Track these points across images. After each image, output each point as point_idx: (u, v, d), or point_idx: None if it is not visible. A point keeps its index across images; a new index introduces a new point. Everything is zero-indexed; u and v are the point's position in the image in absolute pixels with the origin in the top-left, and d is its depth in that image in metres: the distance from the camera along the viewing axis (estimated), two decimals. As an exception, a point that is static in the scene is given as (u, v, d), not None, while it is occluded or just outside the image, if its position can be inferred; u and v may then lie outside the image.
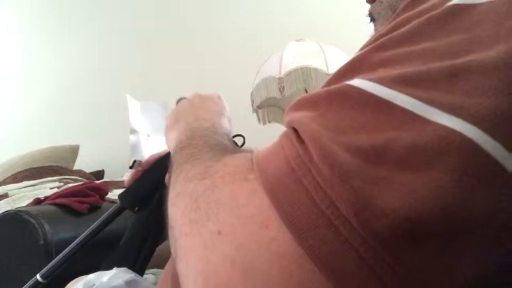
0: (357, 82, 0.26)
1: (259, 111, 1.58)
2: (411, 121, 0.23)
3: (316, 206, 0.23)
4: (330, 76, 0.30)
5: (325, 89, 0.28)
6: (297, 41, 1.54)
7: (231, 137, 0.49)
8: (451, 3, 0.27)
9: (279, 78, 1.39)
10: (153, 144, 0.63)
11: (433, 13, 0.27)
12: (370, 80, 0.25)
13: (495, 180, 0.21)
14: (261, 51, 1.62)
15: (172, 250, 0.31)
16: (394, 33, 0.28)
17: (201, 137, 0.44)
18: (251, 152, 0.31)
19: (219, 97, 0.58)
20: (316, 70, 1.36)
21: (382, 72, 0.26)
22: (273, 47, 1.55)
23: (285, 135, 0.28)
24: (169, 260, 0.56)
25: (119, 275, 0.50)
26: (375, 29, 0.51)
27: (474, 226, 0.21)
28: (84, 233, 0.58)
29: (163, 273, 0.56)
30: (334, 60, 1.40)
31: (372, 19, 0.51)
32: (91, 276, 0.50)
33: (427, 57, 0.25)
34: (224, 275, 0.24)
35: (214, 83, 2.15)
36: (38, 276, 0.57)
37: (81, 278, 0.52)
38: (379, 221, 0.21)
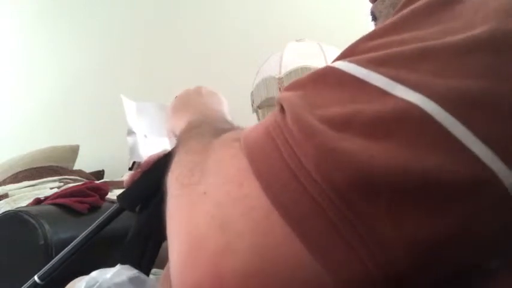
0: (337, 64, 0.28)
1: (259, 111, 1.58)
2: (379, 96, 0.25)
3: (283, 161, 0.25)
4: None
5: (313, 71, 0.30)
6: (297, 41, 1.54)
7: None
8: None
9: (279, 78, 1.39)
10: (151, 144, 0.63)
11: (414, 6, 0.29)
12: (350, 61, 0.28)
13: (446, 147, 0.23)
14: (261, 51, 1.62)
15: (166, 219, 0.33)
16: (383, 25, 0.30)
17: (211, 122, 0.47)
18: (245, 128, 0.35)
19: (216, 93, 0.63)
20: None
21: (363, 56, 0.28)
22: (273, 47, 1.55)
23: (271, 113, 0.30)
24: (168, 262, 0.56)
25: (122, 271, 0.50)
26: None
27: (421, 190, 0.23)
28: (82, 234, 0.58)
29: (165, 271, 0.57)
30: (334, 60, 1.40)
31: (374, 18, 0.51)
32: (94, 273, 0.50)
33: (403, 44, 0.27)
34: (204, 229, 0.26)
35: (214, 83, 2.14)
36: (35, 278, 0.57)
37: (82, 277, 0.52)
38: (335, 173, 0.23)
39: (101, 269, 0.50)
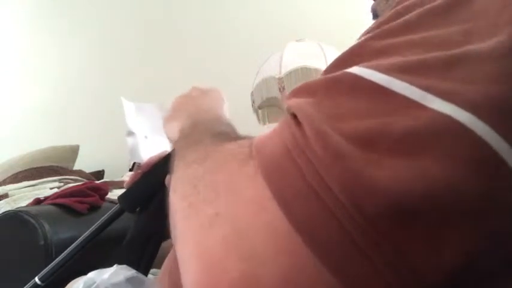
0: (354, 69, 0.26)
1: (259, 111, 1.58)
2: (406, 107, 0.23)
3: (307, 184, 0.23)
4: (328, 65, 0.31)
5: (324, 76, 0.28)
6: (297, 41, 1.54)
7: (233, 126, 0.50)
8: None
9: (279, 78, 1.39)
10: (151, 145, 0.63)
11: (434, 4, 0.27)
12: (368, 67, 0.26)
13: (487, 165, 0.21)
14: (261, 51, 1.62)
15: (173, 237, 0.31)
16: (394, 23, 0.28)
17: (204, 125, 0.45)
18: (252, 138, 0.32)
19: (216, 90, 0.61)
20: (316, 70, 1.36)
21: (381, 60, 0.26)
22: (273, 47, 1.55)
23: (283, 120, 0.28)
24: (167, 259, 0.56)
25: (119, 271, 0.50)
26: None
27: (462, 212, 0.21)
28: (83, 236, 0.58)
29: (161, 272, 0.56)
30: (334, 60, 1.40)
31: (375, 15, 0.51)
32: (91, 273, 0.50)
33: (426, 46, 0.25)
34: (222, 256, 0.24)
35: (214, 83, 2.14)
36: (36, 279, 0.57)
37: (80, 277, 0.52)
38: (366, 199, 0.21)
39: (98, 270, 0.50)
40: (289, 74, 1.38)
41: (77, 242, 0.58)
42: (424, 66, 0.24)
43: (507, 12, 0.25)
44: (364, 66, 0.26)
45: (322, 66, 1.37)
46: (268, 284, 0.23)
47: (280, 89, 1.39)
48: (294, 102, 0.28)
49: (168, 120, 0.54)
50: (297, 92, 0.29)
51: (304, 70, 1.37)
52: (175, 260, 0.50)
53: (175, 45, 2.32)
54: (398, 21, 0.28)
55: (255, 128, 1.45)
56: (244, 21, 2.18)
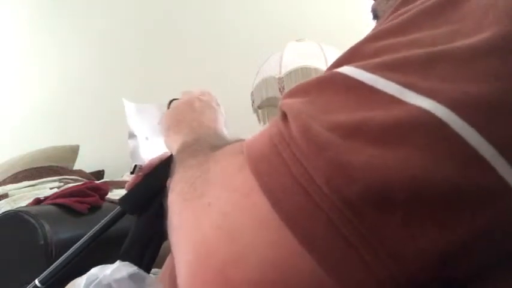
0: (344, 69, 0.27)
1: (259, 111, 1.58)
2: (388, 102, 0.24)
3: (292, 176, 0.24)
4: (328, 67, 0.31)
5: (317, 77, 0.29)
6: (297, 41, 1.54)
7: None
8: None
9: (279, 78, 1.39)
10: (152, 147, 0.63)
11: (425, 5, 0.28)
12: (357, 66, 0.27)
13: (462, 156, 0.22)
14: (261, 51, 1.62)
15: (169, 231, 0.33)
16: (387, 25, 0.29)
17: (206, 139, 0.47)
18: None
19: (209, 93, 0.62)
20: (316, 70, 1.36)
21: (371, 61, 0.27)
22: (273, 47, 1.55)
23: (273, 119, 0.29)
24: (168, 258, 0.56)
25: (122, 268, 0.50)
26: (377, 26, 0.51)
27: (437, 200, 0.22)
28: (84, 237, 0.58)
29: (162, 271, 0.57)
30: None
31: (375, 16, 0.51)
32: (94, 269, 0.50)
33: (412, 46, 0.26)
34: (212, 240, 0.26)
35: (214, 83, 2.15)
36: (36, 282, 0.57)
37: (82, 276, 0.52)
38: (347, 187, 0.22)
39: (101, 266, 0.50)
40: (289, 74, 1.38)
41: (77, 244, 0.58)
42: (406, 63, 0.25)
43: (491, 12, 0.26)
44: (353, 66, 0.27)
45: (322, 66, 1.37)
46: (255, 268, 0.24)
47: (280, 89, 1.39)
48: (286, 102, 0.29)
49: (170, 132, 0.55)
50: (291, 93, 0.30)
51: (304, 70, 1.37)
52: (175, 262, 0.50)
53: (175, 45, 2.32)
54: (393, 22, 0.29)
55: (255, 128, 1.45)
56: (244, 21, 2.18)
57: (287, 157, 0.25)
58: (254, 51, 1.82)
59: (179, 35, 2.33)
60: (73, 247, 0.58)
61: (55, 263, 0.58)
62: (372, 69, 0.26)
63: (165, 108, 0.61)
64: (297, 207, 0.24)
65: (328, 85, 0.28)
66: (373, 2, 0.50)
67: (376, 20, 0.51)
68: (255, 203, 0.25)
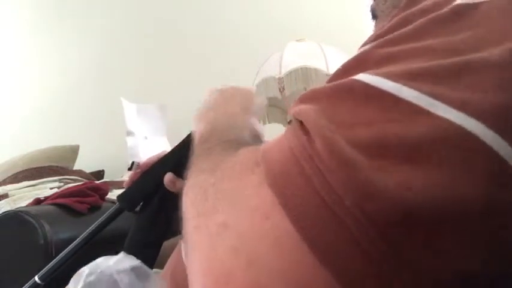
0: (362, 77, 0.26)
1: (259, 111, 1.58)
2: (414, 114, 0.23)
3: (314, 191, 0.23)
4: (333, 73, 0.31)
5: (330, 84, 0.28)
6: (297, 41, 1.54)
7: (256, 132, 0.50)
8: (456, 2, 0.27)
9: (279, 78, 1.39)
10: (150, 146, 0.63)
11: (438, 12, 0.27)
12: (376, 74, 0.25)
13: (496, 173, 0.21)
14: (261, 51, 1.62)
15: (184, 241, 0.31)
16: (398, 32, 0.28)
17: (221, 132, 0.45)
18: (260, 144, 0.32)
19: (250, 92, 0.60)
20: (316, 70, 1.36)
21: (388, 68, 0.26)
22: (273, 47, 1.55)
23: (289, 128, 0.28)
24: (169, 259, 0.56)
25: (125, 259, 0.50)
26: (376, 27, 0.51)
27: (468, 219, 0.21)
28: (82, 235, 0.58)
29: (164, 271, 0.57)
30: (334, 61, 1.40)
31: (374, 16, 0.51)
32: (98, 260, 0.50)
33: (433, 54, 0.25)
34: (229, 264, 0.24)
35: (214, 83, 2.15)
36: (36, 278, 0.57)
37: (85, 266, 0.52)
38: (372, 204, 0.21)
39: (104, 256, 0.50)
40: (289, 74, 1.38)
41: (76, 241, 0.58)
42: (432, 73, 0.24)
43: None
44: (372, 74, 0.26)
45: (322, 66, 1.37)
46: None
47: (280, 89, 1.39)
48: (301, 109, 0.27)
49: (196, 118, 0.54)
50: (304, 99, 0.29)
51: (304, 70, 1.37)
52: (177, 261, 0.50)
53: (176, 45, 2.32)
54: (402, 30, 0.28)
55: (255, 128, 1.45)
56: (244, 21, 2.18)
57: (309, 170, 0.24)
58: (254, 51, 1.82)
59: (179, 35, 2.33)
60: (72, 244, 0.58)
61: (54, 260, 0.58)
62: (395, 77, 0.25)
63: (166, 108, 0.61)
64: (318, 222, 0.22)
65: (346, 93, 0.26)
66: (372, 2, 0.50)
67: (374, 20, 0.51)
68: (276, 225, 0.24)
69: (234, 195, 0.28)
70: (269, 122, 1.59)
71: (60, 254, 0.58)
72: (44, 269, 0.57)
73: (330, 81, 0.29)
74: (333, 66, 1.37)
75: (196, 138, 0.48)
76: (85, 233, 0.58)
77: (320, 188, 0.23)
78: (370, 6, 0.51)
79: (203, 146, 0.42)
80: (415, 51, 0.26)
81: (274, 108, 1.62)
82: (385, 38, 0.28)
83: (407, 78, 0.24)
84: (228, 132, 0.44)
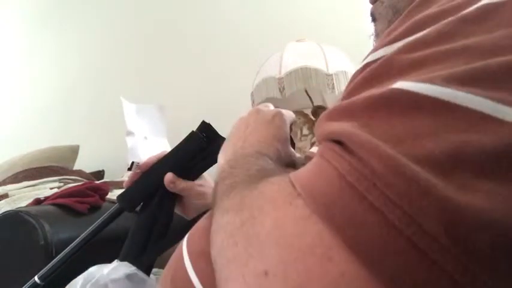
0: (403, 84, 0.23)
1: (259, 111, 1.58)
2: (480, 121, 0.20)
3: (392, 227, 0.19)
4: (349, 87, 0.28)
5: (362, 96, 0.24)
6: (297, 41, 1.54)
7: (286, 159, 0.46)
8: (483, 2, 0.26)
9: (279, 78, 1.39)
10: (150, 146, 0.63)
11: (465, 11, 0.26)
12: (420, 80, 0.23)
13: None
14: (261, 51, 1.62)
15: None
16: (420, 34, 0.26)
17: (243, 165, 0.39)
18: (288, 172, 0.27)
19: (277, 115, 0.53)
20: (316, 70, 1.36)
21: (426, 73, 0.23)
22: (273, 47, 1.55)
23: (325, 149, 0.24)
24: (169, 262, 0.56)
25: (119, 267, 0.50)
26: (376, 29, 0.52)
27: None
28: (82, 235, 0.59)
29: (164, 274, 0.56)
30: (334, 61, 1.40)
31: (373, 19, 0.51)
32: (92, 268, 0.50)
33: (473, 54, 0.23)
34: None
35: (214, 83, 2.16)
36: (36, 278, 0.57)
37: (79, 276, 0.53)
38: (476, 235, 0.18)
39: (99, 265, 0.50)
40: (289, 74, 1.38)
41: (76, 241, 0.58)
42: (484, 75, 0.22)
43: None
44: (415, 81, 0.23)
45: (322, 66, 1.37)
46: None
47: (280, 89, 1.39)
48: (336, 127, 0.24)
49: (222, 149, 0.49)
50: (332, 115, 0.26)
51: (304, 70, 1.37)
52: (177, 266, 0.50)
53: (176, 45, 2.32)
54: (429, 30, 0.26)
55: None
56: (244, 21, 2.18)
57: (377, 201, 0.20)
58: (254, 51, 1.82)
59: (179, 35, 2.33)
60: (72, 243, 0.58)
61: (54, 260, 0.58)
62: (443, 83, 0.22)
63: (165, 108, 0.61)
64: (407, 269, 0.19)
65: (385, 104, 0.23)
66: (371, 6, 0.51)
67: (374, 23, 0.51)
68: (344, 269, 0.20)
69: (271, 236, 0.23)
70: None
71: (60, 254, 0.58)
72: (43, 269, 0.58)
73: (347, 95, 0.27)
74: (333, 66, 1.37)
75: (217, 173, 0.43)
76: (85, 233, 0.59)
77: (398, 222, 0.19)
78: (370, 9, 0.51)
79: (224, 182, 0.37)
80: (448, 52, 0.24)
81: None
82: (405, 41, 0.26)
83: (457, 82, 0.22)
84: (251, 165, 0.38)
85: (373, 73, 0.26)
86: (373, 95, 0.24)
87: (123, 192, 0.60)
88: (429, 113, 0.21)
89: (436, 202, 0.19)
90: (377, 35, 0.51)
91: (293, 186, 0.25)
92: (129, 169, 0.60)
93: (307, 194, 0.23)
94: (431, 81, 0.22)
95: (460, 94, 0.21)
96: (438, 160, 0.20)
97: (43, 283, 0.57)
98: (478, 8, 0.26)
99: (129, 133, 0.63)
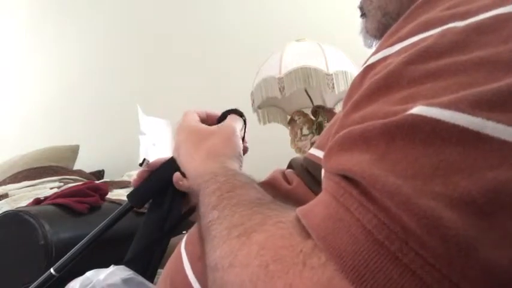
0: (422, 110, 0.21)
1: (259, 111, 1.58)
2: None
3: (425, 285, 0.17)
4: (353, 94, 0.27)
5: (379, 122, 0.22)
6: (297, 41, 1.54)
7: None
8: (501, 10, 0.25)
9: (279, 78, 1.39)
10: (158, 152, 0.66)
11: (477, 19, 0.24)
12: (441, 106, 0.20)
13: None
14: (261, 51, 1.62)
15: None
16: (431, 42, 0.24)
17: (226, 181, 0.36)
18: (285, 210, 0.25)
19: (228, 129, 0.52)
20: (316, 70, 1.36)
21: (443, 88, 0.21)
22: (273, 47, 1.55)
23: (339, 190, 0.22)
24: (168, 262, 0.56)
25: (115, 272, 0.50)
26: (364, 26, 0.51)
27: None
28: (97, 227, 0.60)
29: (162, 276, 0.57)
30: (334, 60, 1.40)
31: (363, 14, 0.51)
32: (89, 273, 0.50)
33: (493, 69, 0.21)
34: None
35: (214, 83, 2.16)
36: (51, 270, 0.58)
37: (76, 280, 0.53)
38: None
39: (95, 269, 0.51)
40: (289, 73, 1.38)
41: (91, 233, 0.59)
42: (507, 98, 0.20)
43: None
44: (434, 106, 0.20)
45: (322, 66, 1.37)
46: None
47: (280, 89, 1.39)
48: (345, 160, 0.22)
49: (188, 154, 0.50)
50: (344, 144, 0.23)
51: (304, 70, 1.37)
52: (176, 268, 0.50)
53: (176, 45, 2.32)
54: (441, 39, 0.24)
55: (255, 128, 1.45)
56: (244, 21, 2.18)
57: (411, 263, 0.18)
58: (254, 51, 1.82)
59: (179, 35, 2.33)
60: (87, 236, 0.59)
61: (70, 252, 0.58)
62: (469, 109, 0.20)
63: (173, 125, 0.64)
64: None
65: (404, 133, 0.20)
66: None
67: (363, 18, 0.51)
68: None
69: None
70: (269, 122, 1.59)
71: (76, 247, 0.59)
72: (59, 261, 0.58)
73: (354, 108, 0.25)
74: (333, 66, 1.37)
75: (200, 183, 0.39)
76: (99, 226, 0.60)
77: (434, 283, 0.17)
78: (359, 3, 0.51)
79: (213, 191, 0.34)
80: (462, 65, 0.22)
81: (274, 108, 1.62)
82: (414, 52, 0.24)
83: (484, 107, 0.20)
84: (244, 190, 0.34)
85: (381, 83, 0.25)
86: (389, 121, 0.21)
87: (133, 190, 0.62)
88: (456, 144, 0.19)
89: (477, 262, 0.17)
90: (367, 32, 0.51)
91: (300, 232, 0.22)
92: (140, 165, 0.62)
93: (329, 247, 0.20)
94: (455, 106, 0.20)
95: (489, 124, 0.19)
96: (475, 203, 0.18)
97: (58, 274, 0.58)
98: (490, 18, 0.24)
99: (142, 133, 0.66)
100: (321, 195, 0.24)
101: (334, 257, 0.19)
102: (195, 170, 0.45)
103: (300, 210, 0.24)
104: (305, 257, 0.21)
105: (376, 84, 0.25)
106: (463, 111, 0.20)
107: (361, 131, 0.23)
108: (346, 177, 0.21)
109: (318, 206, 0.23)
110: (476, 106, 0.20)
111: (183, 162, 0.51)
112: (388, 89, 0.24)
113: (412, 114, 0.21)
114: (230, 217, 0.29)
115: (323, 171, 0.25)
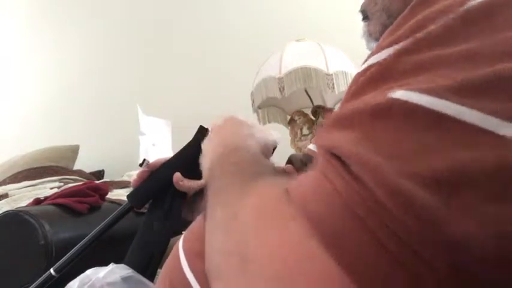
0: (404, 95, 0.22)
1: (259, 111, 1.58)
2: (483, 138, 0.20)
3: (401, 265, 0.19)
4: (352, 87, 0.28)
5: (362, 103, 0.24)
6: (297, 41, 1.54)
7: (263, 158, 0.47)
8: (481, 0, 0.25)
9: (279, 78, 1.39)
10: (157, 152, 0.66)
11: (467, 6, 0.25)
12: (422, 91, 0.22)
13: None
14: (261, 51, 1.62)
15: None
16: (421, 35, 0.25)
17: (233, 158, 0.41)
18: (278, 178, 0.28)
19: (233, 119, 0.56)
20: (316, 70, 1.36)
21: (427, 80, 0.22)
22: (273, 47, 1.55)
23: (327, 165, 0.23)
24: (166, 262, 0.56)
25: (115, 270, 0.50)
26: (367, 29, 0.51)
27: None
28: (96, 229, 0.60)
29: (161, 275, 0.57)
30: (334, 60, 1.40)
31: (365, 17, 0.51)
32: (88, 271, 0.50)
33: (476, 60, 0.22)
34: None
35: (214, 83, 2.16)
36: (51, 271, 0.58)
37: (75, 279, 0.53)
38: (463, 257, 0.18)
39: (95, 268, 0.51)
40: (289, 73, 1.38)
41: (92, 233, 0.59)
42: (489, 85, 0.21)
43: None
44: (415, 90, 0.22)
45: (322, 66, 1.37)
46: None
47: (280, 89, 1.39)
48: (332, 138, 0.24)
49: (203, 159, 0.53)
50: (332, 124, 0.25)
51: (304, 70, 1.37)
52: (174, 267, 0.50)
53: (175, 45, 2.32)
54: (425, 33, 0.25)
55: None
56: (244, 21, 2.18)
57: (385, 239, 0.19)
58: (254, 51, 1.82)
59: (179, 35, 2.33)
60: (87, 236, 0.59)
61: (69, 252, 0.58)
62: (447, 94, 0.21)
63: (169, 124, 0.63)
64: None
65: (386, 115, 0.22)
66: (363, 1, 0.50)
67: (365, 21, 0.51)
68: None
69: (270, 259, 0.22)
70: (269, 122, 1.59)
71: (76, 247, 0.59)
72: (59, 262, 0.58)
73: (350, 97, 0.26)
74: (333, 66, 1.37)
75: (207, 175, 0.43)
76: (99, 226, 0.60)
77: (398, 254, 0.19)
78: (360, 5, 0.50)
79: (217, 180, 0.37)
80: (449, 57, 0.23)
81: (274, 108, 1.62)
82: (406, 43, 0.25)
83: (462, 94, 0.21)
84: (244, 157, 0.40)
85: (376, 74, 0.26)
86: (372, 103, 0.23)
87: (133, 190, 0.62)
88: (433, 128, 0.21)
89: (446, 240, 0.18)
90: (370, 35, 0.50)
91: (291, 199, 0.24)
92: (140, 165, 0.62)
93: (308, 217, 0.22)
94: (435, 92, 0.21)
95: (463, 109, 0.20)
96: (443, 181, 0.19)
97: (58, 275, 0.58)
98: (474, 9, 0.25)
99: (143, 133, 0.66)
100: (311, 171, 0.26)
101: (314, 226, 0.21)
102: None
103: (291, 183, 0.26)
104: (288, 219, 0.23)
105: (372, 75, 0.26)
106: (440, 96, 0.21)
107: (346, 111, 0.24)
108: (334, 154, 0.23)
109: (306, 179, 0.25)
110: (452, 92, 0.21)
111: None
112: (384, 79, 0.25)
113: (391, 98, 0.22)
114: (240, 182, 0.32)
115: (316, 147, 0.27)
